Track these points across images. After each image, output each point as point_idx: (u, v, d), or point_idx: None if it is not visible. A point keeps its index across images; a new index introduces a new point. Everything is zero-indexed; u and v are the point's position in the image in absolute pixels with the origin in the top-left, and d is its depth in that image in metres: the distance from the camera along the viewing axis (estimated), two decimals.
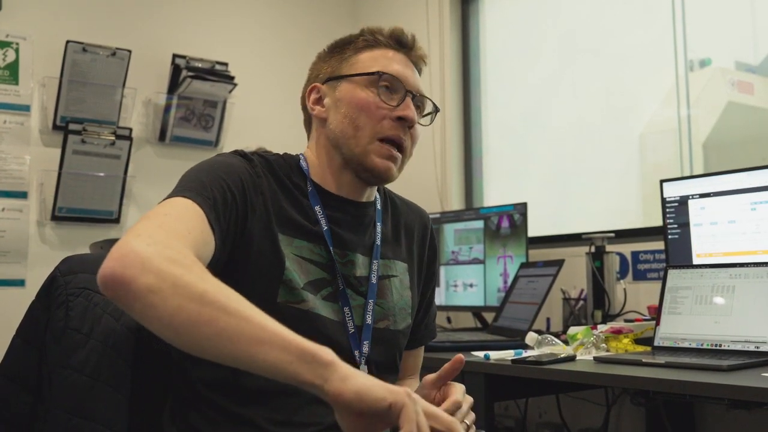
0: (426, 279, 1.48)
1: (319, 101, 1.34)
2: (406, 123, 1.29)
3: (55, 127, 2.91)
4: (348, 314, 1.27)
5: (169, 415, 1.23)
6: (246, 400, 1.18)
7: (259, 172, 1.25)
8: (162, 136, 3.15)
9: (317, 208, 1.29)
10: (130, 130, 3.00)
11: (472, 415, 1.22)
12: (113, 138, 2.94)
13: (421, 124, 1.35)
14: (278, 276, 1.20)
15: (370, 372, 1.28)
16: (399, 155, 1.30)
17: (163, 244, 0.98)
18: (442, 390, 1.22)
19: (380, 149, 1.28)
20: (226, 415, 1.18)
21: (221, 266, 1.15)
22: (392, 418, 0.92)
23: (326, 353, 0.94)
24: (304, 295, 1.22)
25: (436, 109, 1.39)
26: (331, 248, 1.28)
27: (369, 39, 1.34)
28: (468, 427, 1.21)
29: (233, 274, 1.17)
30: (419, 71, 1.37)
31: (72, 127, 2.87)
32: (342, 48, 1.36)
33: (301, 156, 1.35)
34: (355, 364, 1.26)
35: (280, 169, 1.29)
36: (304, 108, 1.38)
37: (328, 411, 1.21)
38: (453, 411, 1.17)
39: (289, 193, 1.28)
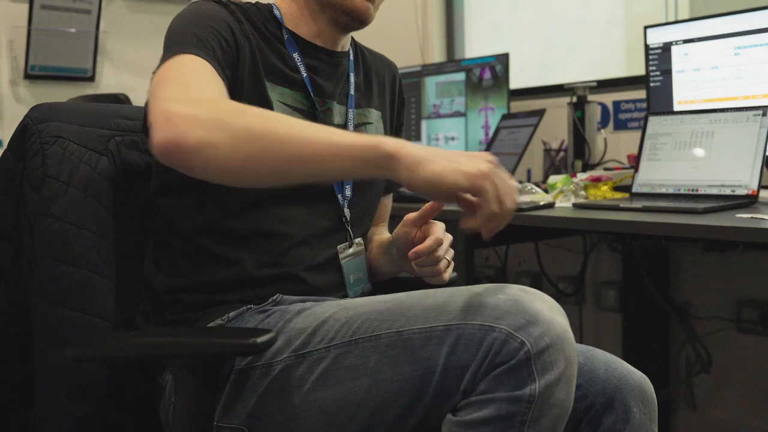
0: (396, 127, 1.51)
1: None
2: None
3: None
4: None
5: (153, 262, 1.24)
6: (233, 242, 1.20)
7: (240, 18, 1.24)
8: None
9: (295, 56, 1.29)
10: None
11: (451, 252, 1.27)
12: None
13: None
14: None
15: (352, 216, 1.32)
16: None
17: (195, 97, 0.99)
18: (422, 228, 1.26)
19: None
20: (213, 259, 1.20)
21: None
22: (472, 201, 0.97)
23: (386, 145, 0.95)
24: None
25: None
26: (312, 95, 1.28)
27: None
28: (449, 263, 1.26)
29: None
30: None
31: None
32: None
33: (273, 5, 1.33)
34: (339, 208, 1.30)
35: (256, 17, 1.28)
36: None
37: (314, 254, 1.26)
38: (435, 247, 1.22)
39: (267, 40, 1.27)
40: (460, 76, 2.80)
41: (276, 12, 1.31)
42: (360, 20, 1.29)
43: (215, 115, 0.96)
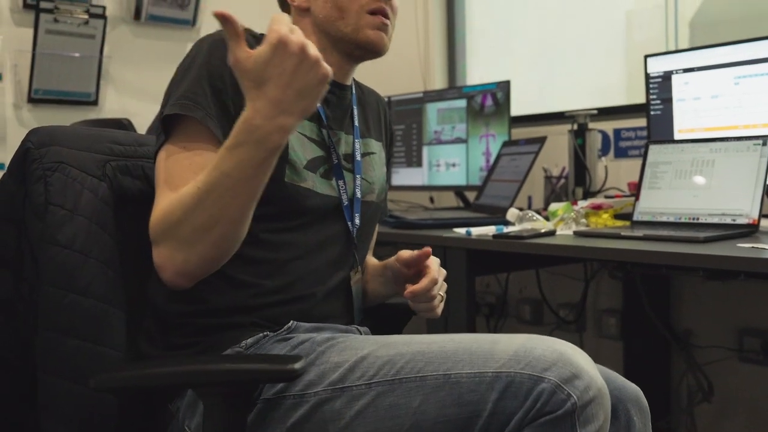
0: (388, 158, 1.55)
1: None
2: None
3: (25, 5, 2.80)
4: (342, 188, 1.32)
5: (161, 285, 1.22)
6: (248, 267, 1.21)
7: None
8: (137, 15, 3.05)
9: None
10: (104, 8, 2.90)
11: (444, 286, 1.32)
12: (86, 17, 2.85)
13: None
14: (284, 156, 1.23)
15: (358, 243, 1.36)
16: (389, 24, 1.32)
17: (167, 233, 1.09)
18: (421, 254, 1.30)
19: (372, 21, 1.30)
20: (228, 283, 1.21)
21: None
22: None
23: (250, 128, 1.05)
24: (305, 174, 1.26)
25: None
26: (325, 126, 1.32)
27: None
28: (442, 299, 1.31)
29: None
30: None
31: (43, 5, 2.77)
32: None
33: None
34: (349, 236, 1.33)
35: None
36: (282, 3, 1.39)
37: (324, 280, 1.29)
38: (431, 287, 1.26)
39: None
40: (462, 103, 2.81)
41: None
42: (375, 51, 1.33)
43: (172, 240, 1.08)
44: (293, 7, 1.35)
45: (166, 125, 1.15)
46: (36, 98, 2.83)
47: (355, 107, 1.41)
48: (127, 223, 1.25)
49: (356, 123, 1.40)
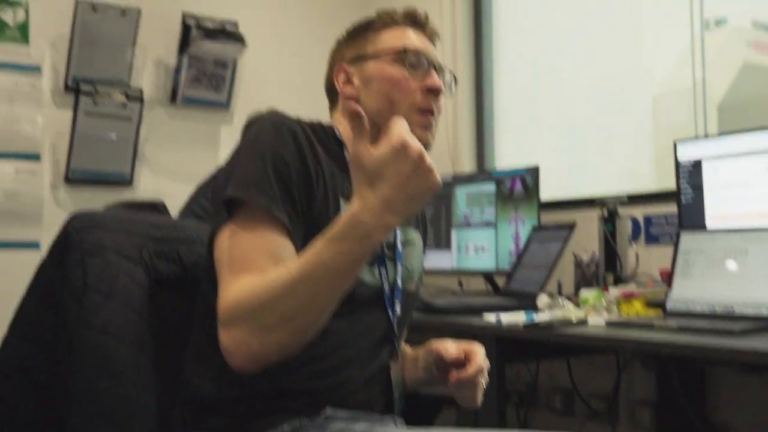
0: (424, 245, 1.55)
1: (348, 81, 1.37)
2: (435, 93, 1.34)
3: (66, 88, 2.90)
4: (384, 276, 1.32)
5: (199, 367, 1.22)
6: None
7: (312, 140, 1.26)
8: (173, 97, 3.14)
9: None
10: (141, 91, 2.99)
11: (486, 376, 1.33)
12: (125, 99, 2.93)
13: (445, 95, 1.39)
14: None
15: (398, 331, 1.36)
16: (434, 122, 1.35)
17: (245, 317, 1.08)
18: (464, 350, 1.33)
19: (420, 119, 1.32)
20: (270, 368, 1.19)
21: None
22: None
23: (355, 223, 1.08)
24: None
25: (454, 79, 1.43)
26: None
27: (386, 19, 1.39)
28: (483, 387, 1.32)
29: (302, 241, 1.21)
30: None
31: (83, 88, 2.86)
32: (361, 30, 1.40)
33: (335, 127, 1.37)
34: (391, 326, 1.33)
35: (323, 136, 1.32)
36: (330, 90, 1.41)
37: (363, 367, 1.28)
38: (477, 374, 1.29)
39: (336, 160, 1.31)
40: (491, 187, 2.83)
41: (338, 134, 1.35)
42: None
43: (251, 325, 1.08)
44: (342, 96, 1.37)
45: (228, 205, 1.17)
46: (73, 179, 2.89)
47: None
48: (161, 307, 1.26)
49: None
